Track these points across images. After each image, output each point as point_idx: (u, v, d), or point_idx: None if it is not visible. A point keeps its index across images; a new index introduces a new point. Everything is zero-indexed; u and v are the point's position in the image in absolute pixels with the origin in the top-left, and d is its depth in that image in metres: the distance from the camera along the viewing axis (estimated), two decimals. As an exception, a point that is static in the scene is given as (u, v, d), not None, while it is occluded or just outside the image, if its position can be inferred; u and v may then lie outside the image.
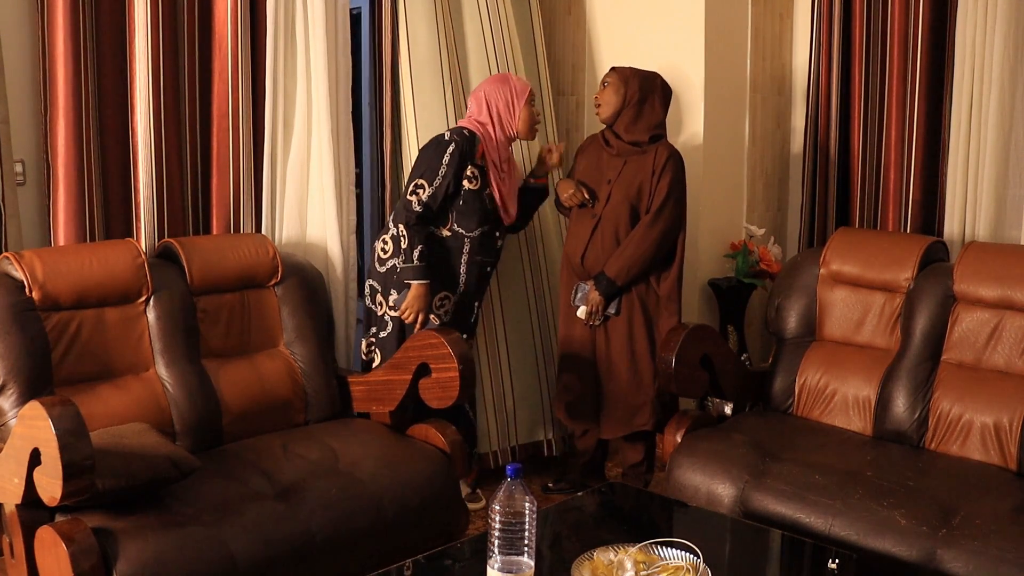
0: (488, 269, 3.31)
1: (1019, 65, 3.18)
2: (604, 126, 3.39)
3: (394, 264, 3.21)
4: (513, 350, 3.65)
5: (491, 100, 3.24)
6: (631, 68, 3.35)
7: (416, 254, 3.12)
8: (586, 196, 3.28)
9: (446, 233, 3.20)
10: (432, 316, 3.20)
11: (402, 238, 3.17)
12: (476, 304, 3.34)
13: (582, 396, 3.39)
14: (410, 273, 3.13)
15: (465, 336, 3.30)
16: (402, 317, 3.17)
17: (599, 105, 3.32)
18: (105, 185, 2.95)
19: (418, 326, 3.16)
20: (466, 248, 3.21)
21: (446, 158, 3.12)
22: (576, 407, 3.41)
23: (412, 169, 3.23)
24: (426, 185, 3.13)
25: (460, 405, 3.01)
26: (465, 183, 3.16)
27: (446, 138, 3.16)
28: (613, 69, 3.35)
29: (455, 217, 3.19)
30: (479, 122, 3.22)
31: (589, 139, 3.50)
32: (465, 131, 3.19)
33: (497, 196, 3.22)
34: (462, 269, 3.23)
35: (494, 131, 3.23)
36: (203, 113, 3.12)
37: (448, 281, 3.23)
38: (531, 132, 3.29)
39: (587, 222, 3.30)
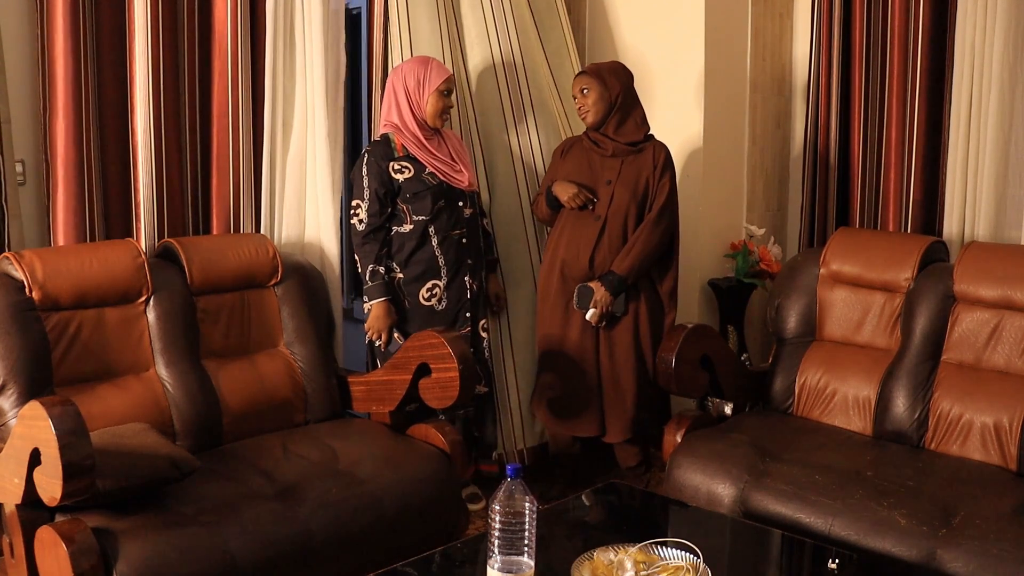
0: (464, 240, 3.28)
1: (1019, 65, 3.18)
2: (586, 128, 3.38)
3: None
4: (519, 352, 3.64)
5: (406, 78, 3.19)
6: (597, 67, 3.32)
7: (368, 275, 3.16)
8: (590, 196, 3.27)
9: (409, 227, 3.20)
10: (396, 335, 3.21)
11: (356, 262, 3.21)
12: (467, 279, 3.29)
13: (574, 399, 3.35)
14: (368, 294, 3.17)
15: (469, 315, 3.30)
16: (369, 335, 3.23)
17: (584, 112, 3.30)
18: (105, 185, 2.95)
19: (382, 345, 3.20)
20: (433, 230, 3.20)
21: (364, 170, 3.17)
22: (566, 408, 3.37)
23: (349, 194, 3.26)
24: (360, 203, 3.17)
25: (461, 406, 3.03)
26: (399, 176, 3.17)
27: (362, 153, 3.23)
28: (583, 73, 3.32)
29: (410, 209, 3.18)
30: (390, 115, 3.21)
31: (569, 141, 3.46)
32: (377, 138, 3.25)
33: (436, 171, 3.20)
34: (438, 252, 3.22)
35: (408, 115, 3.19)
36: (203, 113, 3.12)
37: (431, 271, 3.23)
38: (437, 120, 3.21)
39: (591, 225, 3.28)
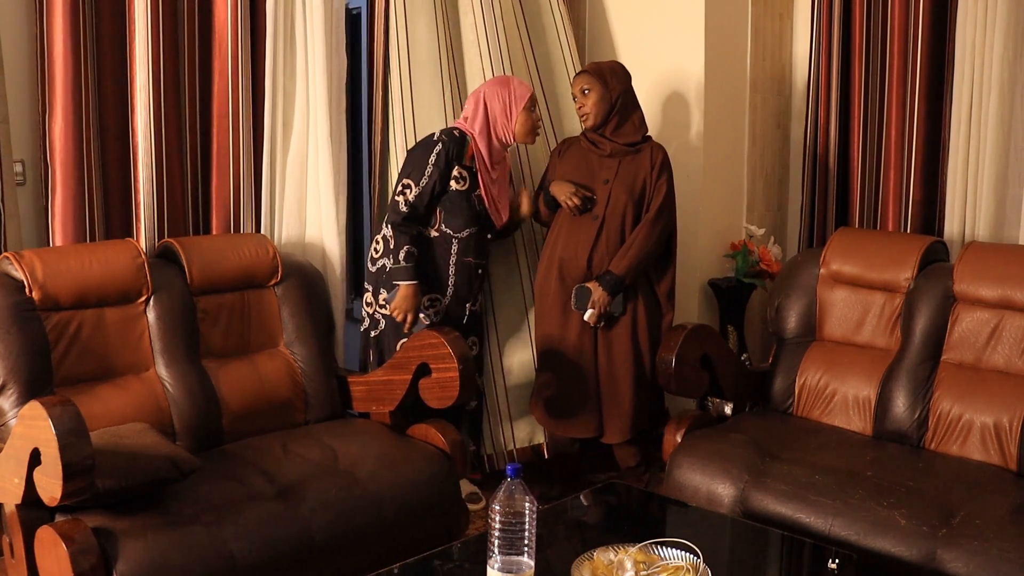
0: (479, 271, 3.31)
1: (1019, 65, 3.18)
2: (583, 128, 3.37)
3: (384, 264, 3.22)
4: (508, 354, 3.64)
5: (489, 102, 3.21)
6: (599, 67, 3.30)
7: (403, 255, 3.13)
8: (588, 194, 3.26)
9: (434, 234, 3.20)
10: (422, 316, 3.20)
11: (389, 239, 3.18)
12: (468, 305, 3.31)
13: (572, 400, 3.34)
14: (397, 274, 3.14)
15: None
16: (393, 316, 3.18)
17: (585, 113, 3.29)
18: (105, 185, 2.95)
19: (407, 326, 3.17)
20: (454, 249, 3.21)
21: (432, 158, 3.13)
22: (564, 409, 3.36)
23: (401, 169, 3.23)
24: (412, 185, 3.13)
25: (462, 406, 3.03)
26: (453, 184, 3.16)
27: (434, 138, 3.17)
28: (584, 72, 3.30)
29: (443, 217, 3.18)
30: (472, 125, 3.21)
31: (567, 142, 3.46)
32: (455, 131, 3.19)
33: (486, 199, 3.21)
34: (450, 271, 3.22)
35: (488, 134, 3.21)
36: (203, 113, 3.12)
37: (436, 283, 3.23)
38: (530, 137, 3.26)
39: (588, 225, 3.28)
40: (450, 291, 3.24)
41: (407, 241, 3.13)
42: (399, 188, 3.15)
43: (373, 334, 3.28)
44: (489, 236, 3.30)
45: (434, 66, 3.49)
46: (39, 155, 2.87)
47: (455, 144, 3.15)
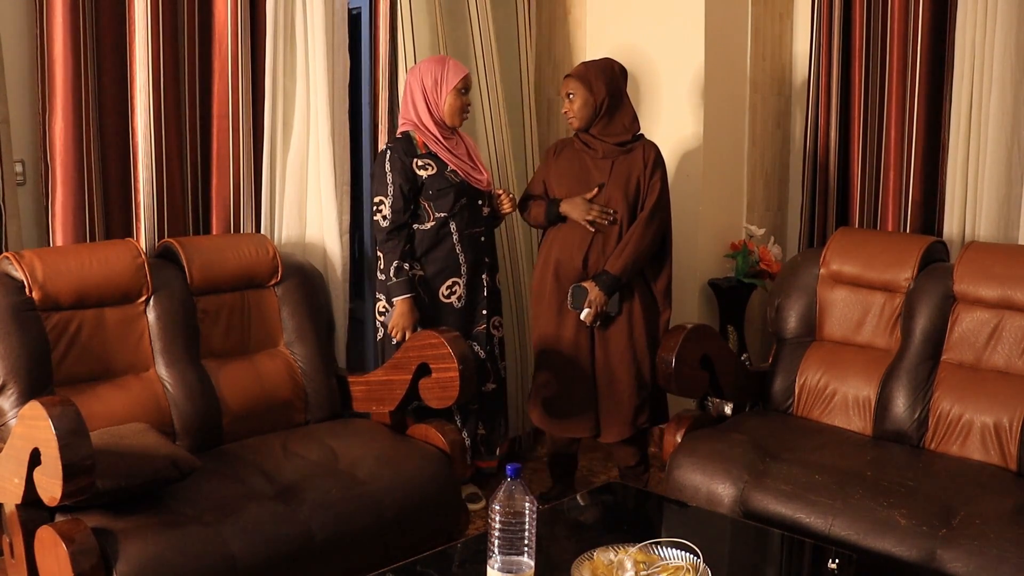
0: (482, 239, 3.31)
1: (1019, 64, 3.18)
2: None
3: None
4: (507, 349, 3.64)
5: (424, 80, 3.21)
6: (585, 69, 3.29)
7: (393, 271, 3.15)
8: (606, 210, 3.23)
9: (430, 224, 3.21)
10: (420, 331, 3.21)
11: (379, 258, 3.20)
12: (484, 276, 3.32)
13: (570, 400, 3.33)
14: (393, 291, 3.17)
15: (486, 312, 3.32)
16: (391, 335, 3.21)
17: (571, 117, 3.28)
18: (105, 185, 2.95)
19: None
20: (454, 227, 3.22)
21: (387, 166, 3.18)
22: (561, 409, 3.35)
23: (371, 191, 3.27)
24: (384, 199, 3.17)
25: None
26: (422, 173, 3.18)
27: (384, 149, 3.24)
28: (570, 76, 3.29)
29: (433, 207, 3.20)
30: (409, 116, 3.24)
31: (560, 143, 3.45)
32: (398, 135, 3.26)
33: (459, 169, 3.23)
34: (458, 249, 3.24)
35: (427, 112, 3.21)
36: (203, 113, 3.12)
37: (451, 268, 3.24)
38: (456, 118, 3.25)
39: (583, 225, 3.28)
40: (464, 268, 3.25)
41: (396, 256, 3.16)
42: (374, 208, 3.20)
43: (393, 341, 3.28)
44: (480, 202, 3.30)
45: None
46: (39, 155, 2.87)
47: (401, 144, 3.21)
